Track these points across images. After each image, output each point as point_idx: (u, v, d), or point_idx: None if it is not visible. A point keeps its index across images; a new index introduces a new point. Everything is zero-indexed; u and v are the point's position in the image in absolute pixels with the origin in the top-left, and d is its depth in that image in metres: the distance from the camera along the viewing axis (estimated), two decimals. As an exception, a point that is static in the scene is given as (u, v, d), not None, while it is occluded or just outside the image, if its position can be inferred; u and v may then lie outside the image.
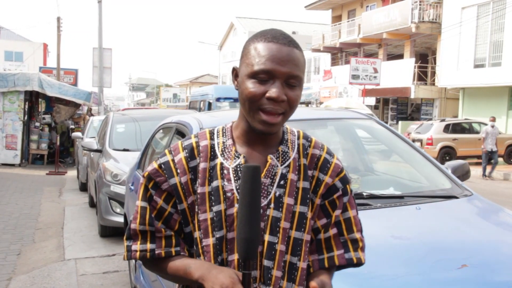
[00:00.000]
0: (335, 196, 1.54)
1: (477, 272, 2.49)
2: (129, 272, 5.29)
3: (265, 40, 1.43)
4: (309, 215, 1.51)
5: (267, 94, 1.40)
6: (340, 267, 1.58)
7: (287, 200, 1.48)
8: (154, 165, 1.54)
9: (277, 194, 1.48)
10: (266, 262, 1.45)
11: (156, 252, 1.51)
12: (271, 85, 1.40)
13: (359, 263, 1.56)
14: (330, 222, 1.54)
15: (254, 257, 1.34)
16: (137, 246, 1.53)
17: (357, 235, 1.56)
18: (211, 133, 1.56)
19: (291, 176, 1.50)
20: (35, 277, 5.62)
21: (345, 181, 1.57)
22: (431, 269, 2.45)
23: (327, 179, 1.54)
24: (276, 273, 1.46)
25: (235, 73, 1.52)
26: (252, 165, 1.33)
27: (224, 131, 1.56)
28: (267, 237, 1.46)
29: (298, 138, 1.57)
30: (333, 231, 1.55)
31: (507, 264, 2.61)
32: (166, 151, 1.56)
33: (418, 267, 2.50)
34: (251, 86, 1.41)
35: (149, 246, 1.52)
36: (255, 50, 1.43)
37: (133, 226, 1.54)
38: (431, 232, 2.88)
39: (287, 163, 1.51)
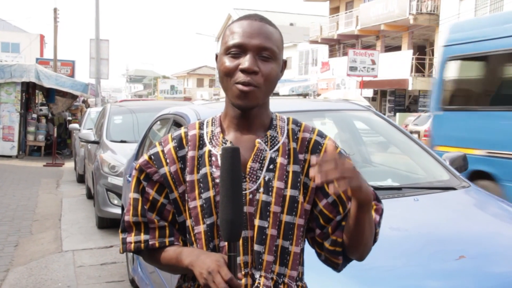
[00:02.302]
0: None
1: (475, 263, 2.49)
2: (126, 264, 5.29)
3: (238, 20, 1.50)
4: (301, 198, 1.50)
5: (240, 66, 1.43)
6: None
7: (277, 184, 1.48)
8: (145, 157, 1.57)
9: (267, 178, 1.48)
10: (256, 247, 1.46)
11: (150, 243, 1.53)
12: (243, 58, 1.44)
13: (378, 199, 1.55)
14: (334, 202, 1.51)
15: (238, 238, 1.34)
16: (131, 238, 1.55)
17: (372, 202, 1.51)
18: (201, 124, 1.59)
19: (281, 160, 1.50)
20: (33, 269, 5.62)
21: None
22: (429, 260, 2.45)
23: None
24: (267, 257, 1.46)
25: (217, 59, 1.56)
26: (231, 147, 1.35)
27: (213, 121, 1.58)
28: (257, 222, 1.46)
29: (288, 124, 1.58)
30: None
31: (505, 255, 2.62)
32: (157, 143, 1.59)
33: (416, 258, 2.51)
34: (225, 61, 1.46)
35: (143, 237, 1.54)
36: (229, 30, 1.49)
37: (126, 218, 1.56)
38: (429, 223, 2.88)
39: (276, 147, 1.51)
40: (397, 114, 25.91)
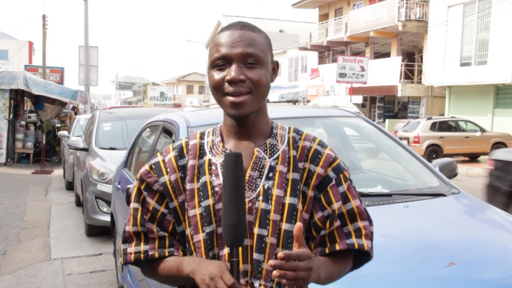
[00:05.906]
0: (328, 187, 1.52)
1: (465, 270, 2.50)
2: (116, 272, 5.25)
3: (221, 31, 1.49)
4: (300, 207, 1.49)
5: (226, 78, 1.43)
6: (353, 266, 1.60)
7: (276, 192, 1.47)
8: (146, 166, 1.58)
9: (266, 186, 1.47)
10: (256, 256, 1.45)
11: (150, 253, 1.52)
12: (229, 69, 1.44)
13: (361, 250, 1.52)
14: (329, 216, 1.51)
15: (241, 243, 1.33)
16: (131, 249, 1.55)
17: (360, 224, 1.53)
18: (202, 134, 1.59)
19: (280, 168, 1.49)
20: (21, 277, 5.56)
21: (339, 170, 1.54)
22: (419, 267, 2.45)
23: (319, 169, 1.52)
24: (267, 266, 1.45)
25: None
26: (233, 152, 1.36)
27: (214, 131, 1.58)
28: (256, 230, 1.45)
29: (289, 133, 1.57)
30: (336, 223, 1.52)
31: (494, 262, 2.62)
32: (158, 153, 1.60)
33: (406, 265, 2.50)
34: (213, 74, 1.46)
35: (142, 247, 1.53)
36: (213, 43, 1.48)
37: (127, 228, 1.56)
38: (419, 230, 2.88)
39: (275, 155, 1.51)
40: (387, 120, 26.01)
